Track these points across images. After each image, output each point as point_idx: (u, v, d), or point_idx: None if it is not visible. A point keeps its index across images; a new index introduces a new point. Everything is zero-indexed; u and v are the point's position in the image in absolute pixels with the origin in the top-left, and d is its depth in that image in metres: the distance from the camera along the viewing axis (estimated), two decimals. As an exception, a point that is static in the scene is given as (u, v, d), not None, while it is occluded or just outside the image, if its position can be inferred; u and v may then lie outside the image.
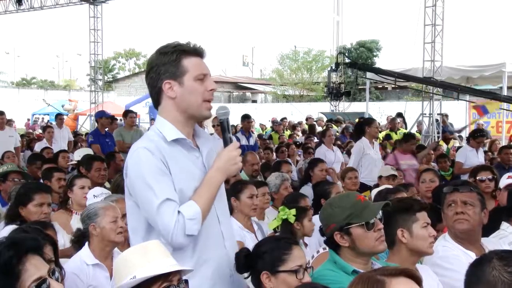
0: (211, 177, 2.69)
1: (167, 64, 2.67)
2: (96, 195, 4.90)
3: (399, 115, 18.97)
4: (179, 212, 2.57)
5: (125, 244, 4.24)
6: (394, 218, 3.19)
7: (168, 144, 2.68)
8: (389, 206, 3.02)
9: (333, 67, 16.77)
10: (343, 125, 17.60)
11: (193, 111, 2.72)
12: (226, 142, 2.77)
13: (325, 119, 20.87)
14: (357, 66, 16.32)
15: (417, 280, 1.84)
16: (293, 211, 4.53)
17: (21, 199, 4.60)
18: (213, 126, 10.89)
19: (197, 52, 2.73)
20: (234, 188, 4.93)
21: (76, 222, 4.95)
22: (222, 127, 2.80)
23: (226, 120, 2.80)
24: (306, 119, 20.02)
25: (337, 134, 15.26)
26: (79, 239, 4.02)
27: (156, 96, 2.75)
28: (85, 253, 3.89)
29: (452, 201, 3.54)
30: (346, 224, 2.83)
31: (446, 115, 17.77)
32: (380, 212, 2.90)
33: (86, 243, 3.95)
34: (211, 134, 9.84)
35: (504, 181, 5.09)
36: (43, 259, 1.86)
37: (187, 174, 2.68)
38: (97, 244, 3.92)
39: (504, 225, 4.00)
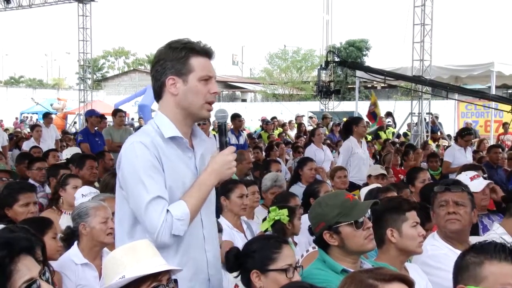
0: (204, 179, 2.68)
1: (174, 60, 2.66)
2: (85, 194, 4.86)
3: (389, 114, 19.02)
4: (168, 211, 2.56)
5: (115, 244, 4.23)
6: (383, 217, 3.19)
7: (164, 141, 2.66)
8: (378, 205, 3.02)
9: (323, 66, 16.72)
10: (331, 123, 17.63)
11: (193, 110, 2.71)
12: (222, 146, 2.76)
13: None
14: (346, 64, 16.35)
15: (410, 285, 1.87)
16: (285, 211, 4.52)
17: (6, 201, 4.55)
18: (199, 124, 10.81)
19: (206, 53, 2.72)
20: (224, 188, 4.92)
21: (65, 222, 4.92)
22: (220, 130, 2.79)
23: (224, 123, 2.79)
24: (296, 118, 20.03)
25: (326, 133, 15.27)
26: (69, 237, 3.99)
27: (158, 89, 2.74)
28: (74, 253, 3.87)
29: (444, 201, 3.57)
30: (335, 223, 2.83)
31: (437, 116, 17.85)
32: (369, 211, 2.91)
33: (75, 243, 3.92)
34: None
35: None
36: (35, 260, 1.84)
37: (178, 173, 2.67)
38: (86, 243, 3.90)
39: (495, 226, 4.02)
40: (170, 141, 2.68)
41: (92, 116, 11.42)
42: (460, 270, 2.24)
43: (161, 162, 2.61)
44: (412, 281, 1.89)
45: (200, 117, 2.79)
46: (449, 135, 17.60)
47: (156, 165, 2.59)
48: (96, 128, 11.20)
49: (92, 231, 3.88)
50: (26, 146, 12.08)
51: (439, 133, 17.01)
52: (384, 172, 7.24)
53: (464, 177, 4.81)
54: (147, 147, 2.59)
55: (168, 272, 2.40)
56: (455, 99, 19.49)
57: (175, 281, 2.41)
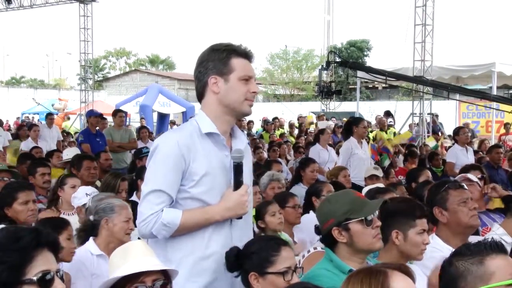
0: (213, 211, 2.77)
1: (216, 60, 2.80)
2: (89, 194, 4.87)
3: (388, 113, 18.99)
4: (162, 210, 2.68)
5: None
6: (392, 218, 3.19)
7: (201, 136, 2.79)
8: (391, 204, 3.04)
9: (324, 66, 16.70)
10: (331, 122, 17.63)
11: (235, 107, 2.83)
12: (237, 185, 2.80)
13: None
14: (347, 64, 16.31)
15: (411, 277, 1.94)
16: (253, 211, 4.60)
17: (5, 200, 4.56)
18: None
19: (246, 55, 2.86)
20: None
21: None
22: (235, 170, 2.82)
23: (240, 163, 2.82)
24: (298, 118, 20.03)
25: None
26: (88, 228, 4.05)
27: (201, 89, 2.88)
28: (90, 245, 3.96)
29: (466, 198, 3.63)
30: (345, 220, 2.82)
31: (437, 115, 17.83)
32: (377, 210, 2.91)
33: (91, 238, 3.98)
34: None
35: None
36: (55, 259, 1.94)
37: (209, 163, 2.77)
38: (104, 238, 3.97)
39: (495, 226, 4.03)
40: (207, 137, 2.81)
41: (91, 116, 11.43)
42: (459, 277, 2.15)
43: (189, 156, 2.73)
44: (412, 274, 1.95)
45: (242, 113, 2.92)
46: (450, 136, 17.59)
47: (177, 164, 2.71)
48: (97, 128, 11.20)
49: (113, 228, 3.98)
50: (24, 145, 12.04)
51: (440, 133, 16.99)
52: (376, 173, 7.23)
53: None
54: (177, 145, 2.72)
55: (160, 272, 2.40)
56: (456, 100, 19.47)
57: (165, 283, 2.41)
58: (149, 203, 2.69)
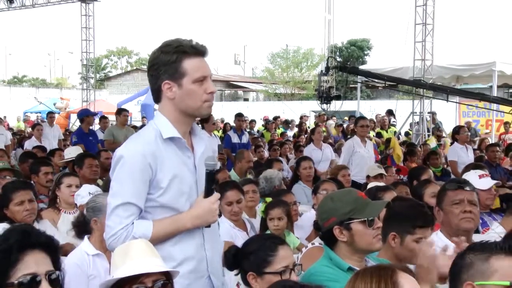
0: (183, 219, 2.69)
1: (167, 64, 2.66)
2: (92, 193, 4.89)
3: (390, 112, 18.97)
4: (133, 223, 2.61)
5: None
6: (394, 219, 3.21)
7: (163, 141, 2.69)
8: (397, 205, 3.06)
9: (323, 71, 16.61)
10: (331, 122, 17.62)
11: (192, 112, 2.74)
12: (208, 193, 2.73)
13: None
14: (347, 70, 16.20)
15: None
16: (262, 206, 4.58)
17: (2, 201, 4.62)
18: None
19: (198, 52, 2.71)
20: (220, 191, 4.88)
21: (65, 221, 4.97)
22: (208, 177, 2.74)
23: (212, 171, 2.74)
24: (301, 118, 20.00)
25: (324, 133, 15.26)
26: (80, 224, 4.02)
27: (156, 93, 2.76)
28: (85, 245, 3.92)
29: (459, 200, 3.59)
30: (347, 219, 2.82)
31: (435, 113, 17.80)
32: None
33: (86, 237, 3.97)
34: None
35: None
36: (50, 259, 1.83)
37: (175, 169, 2.69)
38: (97, 237, 3.94)
39: (494, 224, 4.05)
40: (169, 141, 2.71)
41: (88, 115, 11.47)
42: (463, 269, 2.21)
43: (156, 164, 2.64)
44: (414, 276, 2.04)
45: (201, 116, 2.84)
46: (449, 134, 17.57)
47: (144, 174, 2.62)
48: (90, 127, 11.24)
49: (102, 227, 3.91)
50: (28, 145, 12.10)
51: (438, 132, 16.97)
52: (382, 171, 7.25)
53: (473, 175, 4.88)
54: (143, 155, 2.62)
55: (160, 272, 2.35)
56: (456, 102, 19.40)
57: (165, 284, 2.36)
58: (117, 217, 2.60)
